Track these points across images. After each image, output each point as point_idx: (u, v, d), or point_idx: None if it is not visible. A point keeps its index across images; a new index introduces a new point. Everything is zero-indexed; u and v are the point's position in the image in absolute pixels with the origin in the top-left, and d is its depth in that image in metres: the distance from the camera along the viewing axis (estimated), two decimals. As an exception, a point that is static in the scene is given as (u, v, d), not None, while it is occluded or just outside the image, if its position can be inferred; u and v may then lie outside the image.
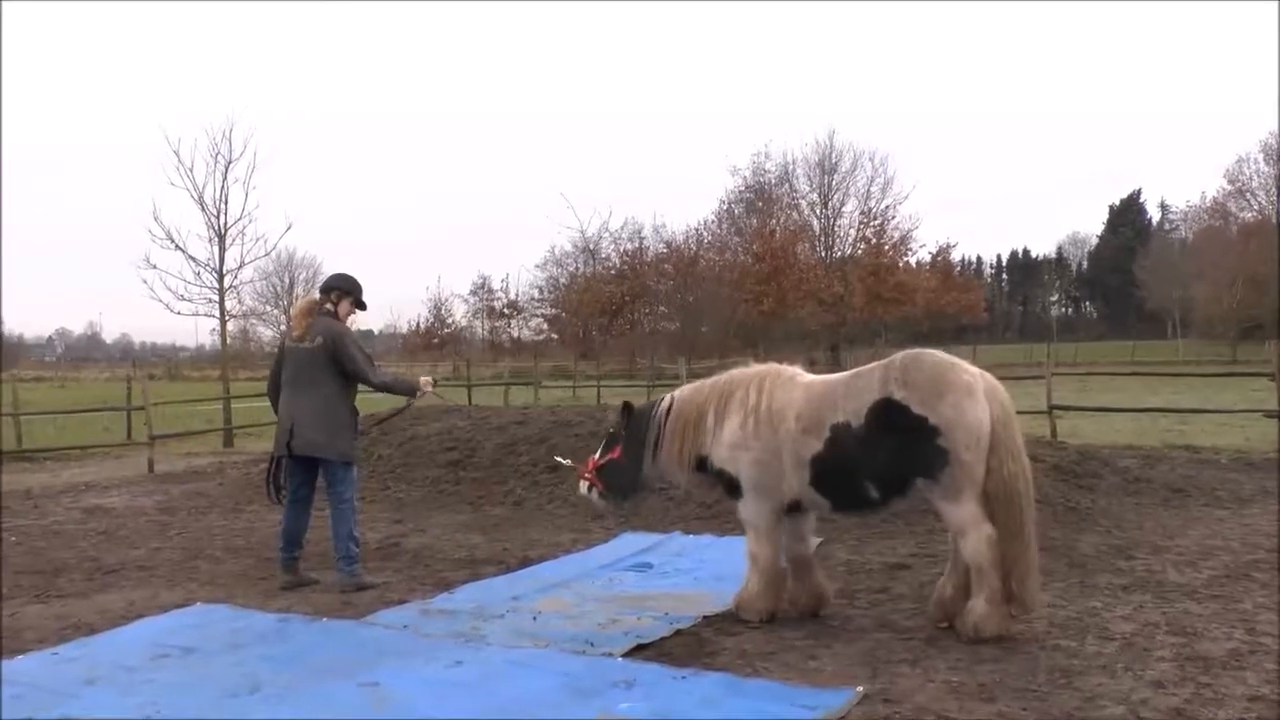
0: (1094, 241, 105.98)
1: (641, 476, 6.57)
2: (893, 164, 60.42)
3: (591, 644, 5.71)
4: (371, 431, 8.69)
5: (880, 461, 5.56)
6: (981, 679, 4.88)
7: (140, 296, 55.09)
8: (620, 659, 5.39)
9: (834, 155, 57.33)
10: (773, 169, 59.54)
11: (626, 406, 6.76)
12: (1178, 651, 5.28)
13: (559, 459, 8.33)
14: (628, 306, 57.60)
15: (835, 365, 51.23)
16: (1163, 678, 4.84)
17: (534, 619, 6.33)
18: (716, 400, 6.27)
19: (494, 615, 6.42)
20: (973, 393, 5.46)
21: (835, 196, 57.80)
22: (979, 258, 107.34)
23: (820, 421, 5.77)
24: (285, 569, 7.60)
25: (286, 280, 64.90)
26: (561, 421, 12.32)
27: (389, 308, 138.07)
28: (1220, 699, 4.53)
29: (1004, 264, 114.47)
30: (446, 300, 66.12)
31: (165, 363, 72.27)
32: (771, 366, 6.39)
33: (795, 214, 59.00)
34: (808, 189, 58.56)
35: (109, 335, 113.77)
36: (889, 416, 5.52)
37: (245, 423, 21.59)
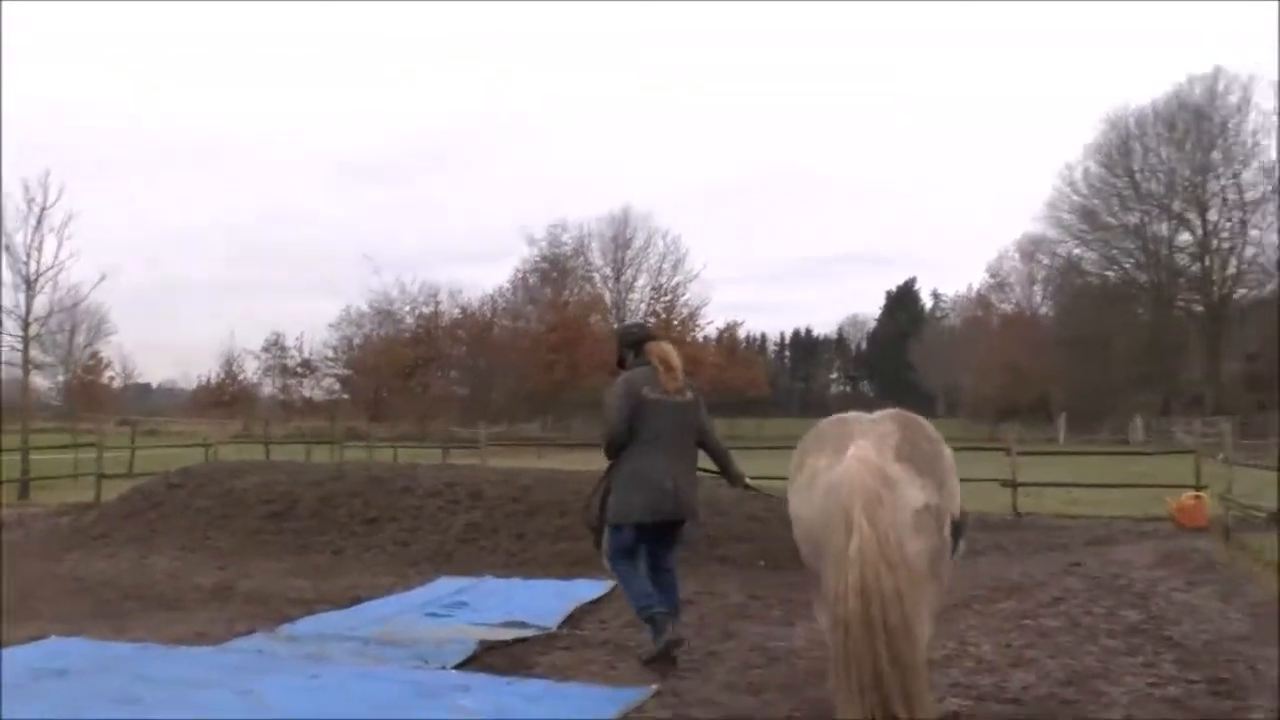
0: (872, 324, 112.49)
1: None
2: (685, 242, 63.71)
3: (425, 660, 6.76)
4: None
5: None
6: (751, 679, 6.20)
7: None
8: (453, 670, 6.48)
9: (628, 230, 59.97)
10: (569, 241, 61.72)
11: None
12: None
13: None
14: (420, 370, 58.19)
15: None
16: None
17: (366, 644, 7.29)
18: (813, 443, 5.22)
19: (334, 641, 7.34)
20: (813, 482, 4.70)
21: (628, 271, 60.40)
22: (763, 335, 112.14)
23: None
24: (663, 621, 6.59)
25: (68, 328, 62.26)
26: (375, 478, 13.20)
27: (175, 362, 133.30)
28: (936, 686, 5.99)
29: (787, 342, 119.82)
30: (239, 356, 65.07)
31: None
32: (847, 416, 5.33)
33: (589, 286, 61.20)
34: (601, 263, 60.94)
35: None
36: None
37: (41, 474, 21.34)
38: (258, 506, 12.62)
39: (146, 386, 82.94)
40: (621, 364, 7.06)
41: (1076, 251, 68.30)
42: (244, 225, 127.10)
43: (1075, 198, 65.45)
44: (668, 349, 6.95)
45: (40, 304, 21.64)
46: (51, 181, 22.71)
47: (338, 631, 7.68)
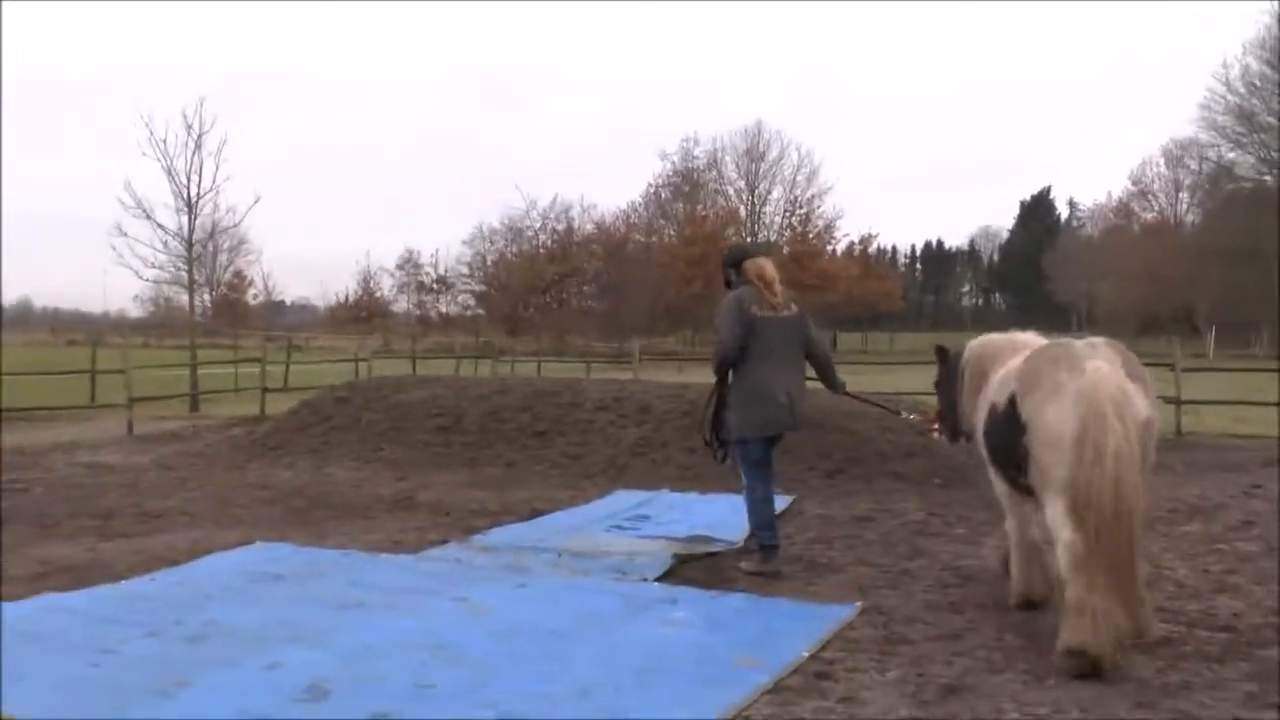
0: (1005, 235, 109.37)
1: (959, 423, 6.51)
2: (818, 155, 62.61)
3: (623, 573, 6.86)
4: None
5: (1006, 446, 5.44)
6: (951, 598, 6.15)
7: (24, 256, 54.54)
8: (655, 583, 6.57)
9: (761, 144, 59.20)
10: (701, 155, 61.17)
11: (940, 351, 6.95)
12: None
13: (906, 415, 8.82)
14: (555, 285, 58.73)
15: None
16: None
17: (560, 556, 7.43)
18: (993, 361, 6.00)
19: (529, 552, 7.49)
20: (1059, 392, 5.03)
21: (762, 184, 59.68)
22: (894, 247, 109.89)
23: (987, 399, 5.75)
24: (770, 555, 6.97)
25: (211, 248, 64.58)
26: (541, 392, 13.39)
27: (319, 279, 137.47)
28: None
29: (918, 254, 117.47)
30: (375, 274, 66.59)
31: (84, 329, 71.09)
32: (1028, 336, 6.11)
33: (723, 200, 60.70)
34: (735, 176, 60.28)
35: (5, 300, 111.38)
36: (1010, 406, 5.35)
37: (211, 388, 22.33)
38: (426, 420, 12.92)
39: (281, 304, 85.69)
40: (729, 284, 7.19)
41: (1230, 155, 64.87)
42: (375, 145, 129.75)
43: (1231, 97, 61.71)
44: (765, 264, 7.15)
45: (202, 226, 22.71)
46: (206, 110, 23.39)
47: (528, 543, 7.83)
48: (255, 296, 74.18)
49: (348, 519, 9.07)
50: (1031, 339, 6.00)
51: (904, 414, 8.92)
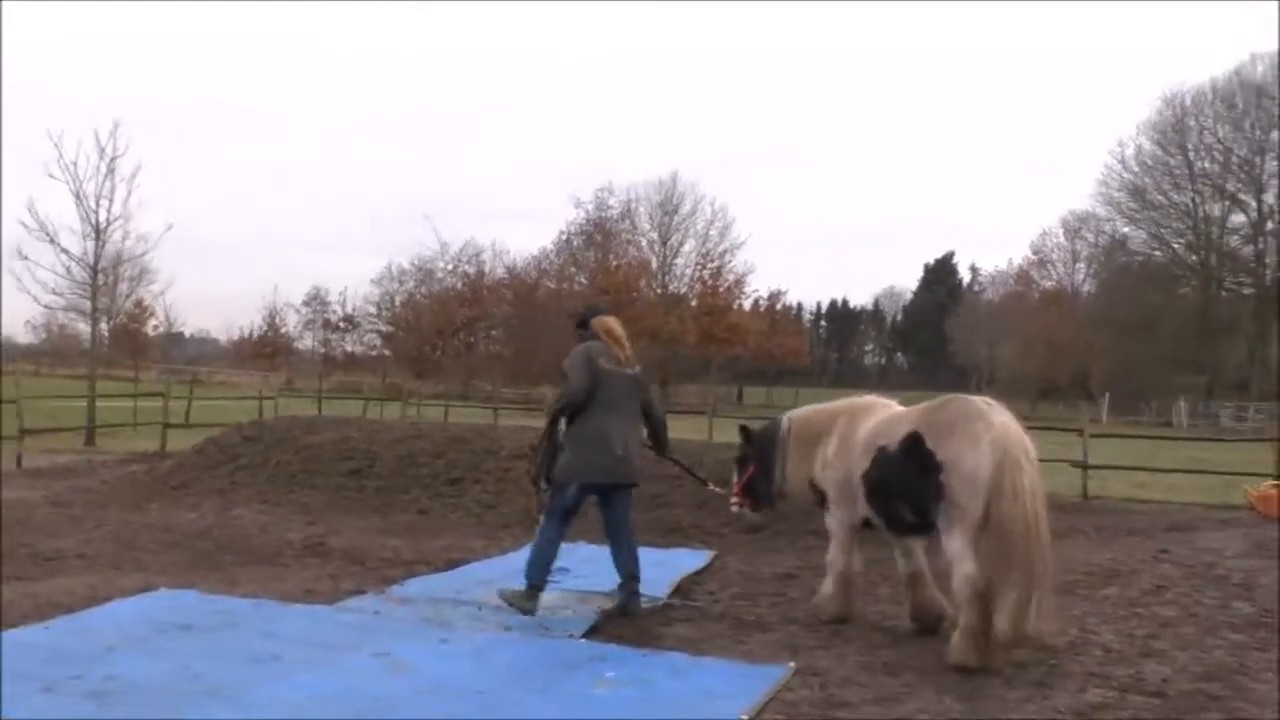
0: (909, 296, 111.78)
1: (774, 488, 7.38)
2: (731, 210, 63.64)
3: (546, 628, 6.68)
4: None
5: (905, 485, 6.18)
6: (884, 659, 6.08)
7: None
8: (582, 640, 6.39)
9: (676, 196, 59.75)
10: (615, 205, 61.52)
11: (745, 431, 7.76)
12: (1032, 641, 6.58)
13: (713, 488, 8.70)
14: (464, 329, 58.31)
15: (664, 399, 53.88)
16: (1025, 660, 6.09)
17: (480, 609, 7.21)
18: (826, 425, 7.02)
19: (448, 604, 7.27)
20: (976, 440, 5.84)
21: (675, 236, 60.18)
22: (800, 304, 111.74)
23: (872, 444, 6.46)
24: (533, 595, 7.16)
25: (113, 277, 62.78)
26: (455, 437, 13.16)
27: (221, 312, 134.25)
28: (1073, 675, 5.85)
29: (823, 312, 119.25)
30: (281, 309, 65.40)
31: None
32: (870, 398, 7.23)
33: (634, 250, 61.04)
34: (648, 227, 60.72)
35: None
36: (912, 447, 6.10)
37: (107, 422, 21.49)
38: (338, 463, 12.60)
39: (180, 335, 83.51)
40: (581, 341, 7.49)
41: (1124, 229, 67.62)
42: (281, 184, 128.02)
43: (1126, 175, 64.74)
44: (613, 323, 7.53)
45: (108, 253, 22.01)
46: (120, 134, 22.79)
47: (447, 595, 7.59)
48: (156, 328, 72.22)
49: (257, 565, 8.74)
50: (875, 401, 7.07)
51: (711, 485, 8.85)
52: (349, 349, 63.13)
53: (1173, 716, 5.22)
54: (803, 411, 7.48)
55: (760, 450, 7.49)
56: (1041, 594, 5.77)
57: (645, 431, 7.74)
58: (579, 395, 7.13)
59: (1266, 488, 14.56)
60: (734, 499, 7.79)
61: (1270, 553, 10.30)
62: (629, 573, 7.37)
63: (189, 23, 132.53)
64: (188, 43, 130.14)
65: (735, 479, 7.80)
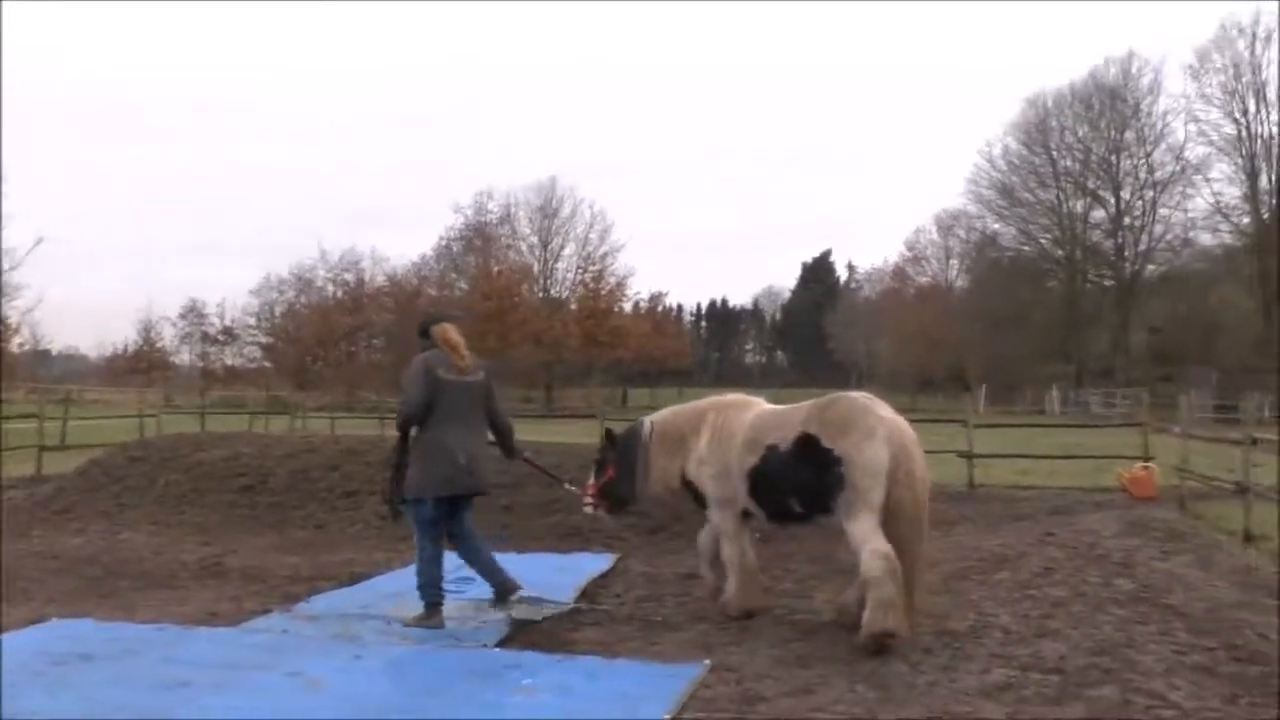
0: (787, 295, 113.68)
1: (635, 489, 7.59)
2: (609, 214, 64.04)
3: (458, 639, 6.68)
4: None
5: (799, 481, 6.59)
6: (797, 652, 6.24)
7: None
8: (496, 649, 6.40)
9: (555, 200, 59.75)
10: (495, 209, 61.22)
11: (609, 433, 7.94)
12: (935, 626, 6.82)
13: (568, 487, 8.60)
14: (346, 338, 57.40)
15: (549, 404, 53.80)
16: (930, 645, 6.36)
17: (389, 623, 7.15)
18: (692, 423, 7.33)
19: (356, 620, 7.19)
20: (871, 433, 6.38)
21: (555, 240, 60.17)
22: (679, 305, 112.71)
23: (759, 442, 6.82)
24: (434, 613, 7.16)
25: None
26: (349, 450, 12.97)
27: (91, 327, 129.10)
28: (976, 657, 6.11)
29: (703, 312, 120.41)
30: (156, 323, 63.43)
31: None
32: (736, 395, 7.60)
33: (515, 255, 60.85)
34: (528, 231, 60.62)
35: None
36: (807, 446, 6.53)
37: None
38: (229, 480, 12.33)
39: (46, 353, 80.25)
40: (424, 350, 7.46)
41: (994, 226, 69.90)
42: (157, 179, 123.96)
43: (994, 174, 67.04)
44: (451, 330, 7.50)
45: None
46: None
47: (354, 610, 7.51)
48: (21, 345, 69.23)
49: (152, 589, 8.49)
50: (740, 397, 7.51)
51: (567, 485, 8.76)
52: (229, 362, 61.69)
53: (1071, 691, 5.48)
54: (664, 413, 7.70)
55: (622, 452, 7.66)
56: (923, 570, 6.62)
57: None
58: (417, 409, 7.11)
59: (1137, 470, 15.28)
60: (588, 499, 7.89)
61: (1141, 532, 10.83)
62: (498, 578, 7.44)
63: (55, 9, 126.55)
64: (49, 31, 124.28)
65: (592, 480, 7.95)
